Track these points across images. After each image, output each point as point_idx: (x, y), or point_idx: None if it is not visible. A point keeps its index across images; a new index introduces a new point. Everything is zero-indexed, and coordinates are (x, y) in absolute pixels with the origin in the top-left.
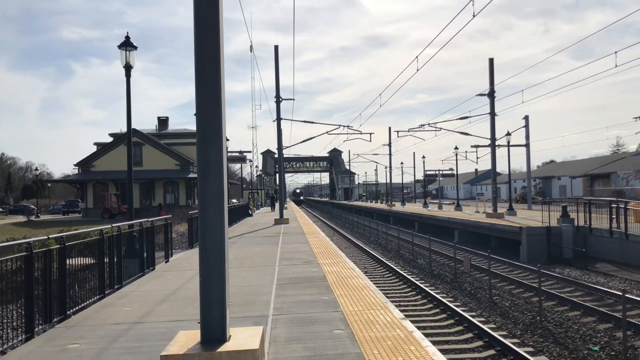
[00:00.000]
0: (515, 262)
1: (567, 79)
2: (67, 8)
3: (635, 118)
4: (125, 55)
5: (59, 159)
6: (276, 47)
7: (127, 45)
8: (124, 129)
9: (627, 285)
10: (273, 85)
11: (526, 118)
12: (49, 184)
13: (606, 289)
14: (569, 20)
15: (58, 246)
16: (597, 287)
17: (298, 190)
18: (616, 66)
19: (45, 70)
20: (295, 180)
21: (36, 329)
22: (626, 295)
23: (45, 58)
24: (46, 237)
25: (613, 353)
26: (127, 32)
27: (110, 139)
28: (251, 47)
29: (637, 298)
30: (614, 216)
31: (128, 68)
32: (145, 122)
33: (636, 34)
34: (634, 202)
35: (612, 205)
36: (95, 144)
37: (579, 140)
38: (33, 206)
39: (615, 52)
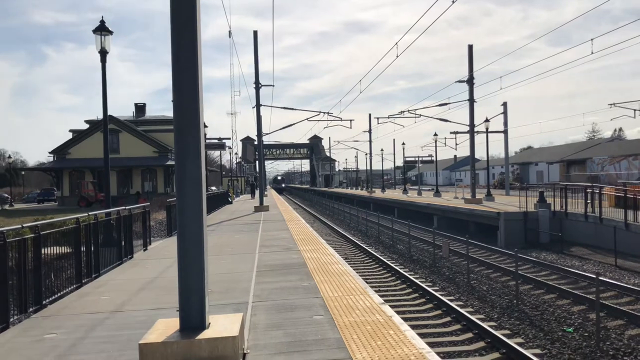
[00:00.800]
0: (493, 247)
1: (545, 66)
2: None
3: (611, 105)
4: (100, 40)
5: (34, 146)
6: (255, 33)
7: (102, 29)
8: (100, 116)
9: (600, 268)
10: (252, 71)
11: (504, 105)
12: (23, 172)
13: (580, 272)
14: (547, 7)
15: (33, 235)
16: (571, 270)
17: (280, 177)
18: (592, 53)
19: (16, 54)
20: (275, 167)
21: (11, 319)
22: (599, 277)
23: (17, 42)
24: (20, 226)
25: (586, 334)
26: (102, 17)
27: (86, 126)
28: (230, 32)
29: (610, 280)
30: (589, 201)
31: (103, 53)
32: (122, 109)
33: (612, 21)
34: (608, 187)
35: (587, 191)
36: (70, 131)
37: (556, 126)
38: (7, 195)
39: (592, 40)
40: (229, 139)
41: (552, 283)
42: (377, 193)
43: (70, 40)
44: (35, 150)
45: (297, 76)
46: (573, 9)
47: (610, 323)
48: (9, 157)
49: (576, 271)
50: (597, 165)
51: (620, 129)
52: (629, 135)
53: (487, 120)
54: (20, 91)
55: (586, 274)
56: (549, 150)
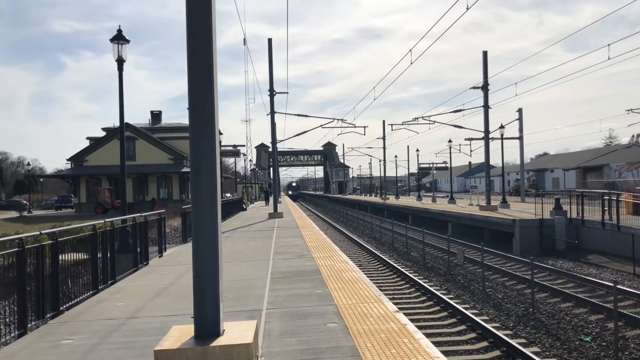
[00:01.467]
0: (508, 255)
1: (560, 72)
2: (58, 1)
3: (628, 110)
4: (117, 49)
5: (51, 153)
6: (270, 40)
7: (119, 38)
8: (117, 123)
9: (618, 276)
10: (266, 78)
11: (520, 111)
12: (42, 179)
13: (598, 280)
14: (563, 12)
15: (50, 242)
16: (589, 278)
17: (294, 184)
18: (609, 58)
19: (35, 63)
20: (289, 174)
21: (29, 325)
22: (617, 286)
23: (36, 51)
24: (38, 232)
25: (604, 343)
26: (120, 26)
27: (103, 134)
28: (245, 40)
29: (628, 289)
30: (606, 208)
31: (120, 62)
32: (137, 116)
33: (629, 26)
34: (625, 194)
35: (605, 198)
36: (88, 138)
37: (572, 132)
38: (25, 201)
39: (609, 45)
40: (244, 146)
41: (568, 291)
42: (391, 200)
43: (88, 48)
44: (53, 157)
45: (311, 83)
46: (589, 14)
47: (628, 332)
48: (28, 164)
49: (593, 279)
50: (615, 171)
51: (639, 135)
52: None
53: (502, 127)
54: (38, 99)
55: (604, 282)
56: (565, 156)
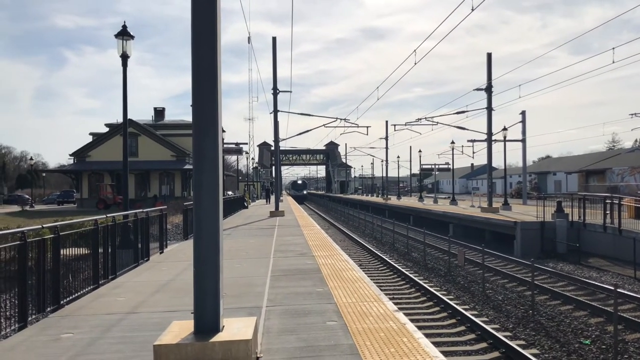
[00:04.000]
0: (509, 257)
1: (564, 75)
2: None
3: (632, 114)
4: (122, 45)
5: (54, 148)
6: (274, 39)
7: (124, 34)
8: (119, 119)
9: (619, 280)
10: (268, 77)
11: (523, 113)
12: (44, 174)
13: (598, 284)
14: (567, 15)
15: (52, 236)
16: (589, 281)
17: (300, 181)
18: (613, 62)
19: (38, 58)
20: (291, 173)
21: (29, 319)
22: (618, 289)
23: (38, 46)
24: (40, 226)
25: (604, 346)
26: (124, 22)
27: (106, 129)
28: (249, 39)
29: (628, 293)
30: (607, 212)
31: (125, 57)
32: (139, 112)
33: (634, 29)
34: (627, 198)
35: (606, 201)
36: (90, 134)
37: (575, 136)
38: (27, 196)
39: (613, 49)
40: (246, 144)
41: (569, 294)
42: (393, 200)
43: (90, 44)
44: (56, 152)
45: (314, 82)
46: (594, 17)
47: (628, 336)
48: (31, 158)
49: (594, 282)
50: (617, 175)
51: None
52: None
53: (505, 129)
54: (41, 94)
55: (604, 285)
56: (567, 159)
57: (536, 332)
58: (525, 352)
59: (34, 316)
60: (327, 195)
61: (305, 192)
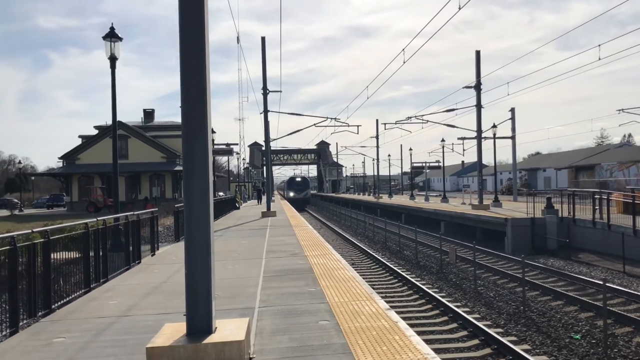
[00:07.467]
0: (500, 253)
1: (552, 71)
2: None
3: (619, 110)
4: (110, 47)
5: (43, 151)
6: (263, 39)
7: (112, 36)
8: (108, 121)
9: (608, 274)
10: (257, 76)
11: (512, 110)
12: (33, 177)
13: (588, 279)
14: (554, 10)
15: (42, 240)
16: (579, 277)
17: (299, 178)
18: (600, 59)
19: (21, 60)
20: (282, 173)
21: (20, 324)
22: (607, 284)
23: (22, 48)
24: (30, 230)
25: (594, 341)
26: (112, 24)
27: (95, 131)
28: (238, 38)
29: (617, 287)
30: (597, 207)
31: (113, 59)
32: (128, 114)
33: (620, 25)
34: (616, 194)
35: (595, 197)
36: (80, 136)
37: (564, 132)
38: (16, 200)
39: (599, 45)
40: (237, 144)
41: (559, 290)
42: (385, 199)
43: (75, 45)
44: (44, 155)
45: (302, 81)
46: (580, 12)
47: (618, 330)
48: (19, 162)
49: (584, 278)
50: (606, 171)
51: (630, 135)
52: (638, 141)
53: (494, 126)
54: (26, 97)
55: (594, 280)
56: (557, 156)
57: (527, 327)
58: (516, 348)
59: (25, 321)
60: (319, 194)
61: (307, 193)
